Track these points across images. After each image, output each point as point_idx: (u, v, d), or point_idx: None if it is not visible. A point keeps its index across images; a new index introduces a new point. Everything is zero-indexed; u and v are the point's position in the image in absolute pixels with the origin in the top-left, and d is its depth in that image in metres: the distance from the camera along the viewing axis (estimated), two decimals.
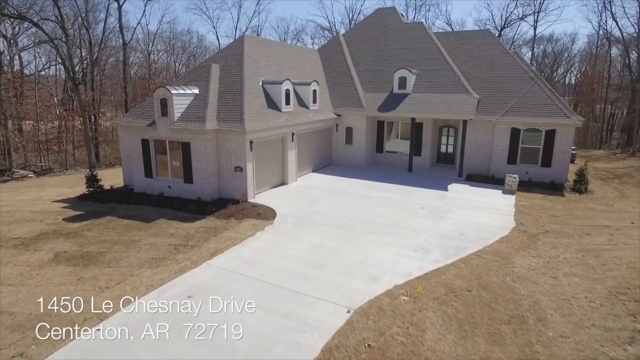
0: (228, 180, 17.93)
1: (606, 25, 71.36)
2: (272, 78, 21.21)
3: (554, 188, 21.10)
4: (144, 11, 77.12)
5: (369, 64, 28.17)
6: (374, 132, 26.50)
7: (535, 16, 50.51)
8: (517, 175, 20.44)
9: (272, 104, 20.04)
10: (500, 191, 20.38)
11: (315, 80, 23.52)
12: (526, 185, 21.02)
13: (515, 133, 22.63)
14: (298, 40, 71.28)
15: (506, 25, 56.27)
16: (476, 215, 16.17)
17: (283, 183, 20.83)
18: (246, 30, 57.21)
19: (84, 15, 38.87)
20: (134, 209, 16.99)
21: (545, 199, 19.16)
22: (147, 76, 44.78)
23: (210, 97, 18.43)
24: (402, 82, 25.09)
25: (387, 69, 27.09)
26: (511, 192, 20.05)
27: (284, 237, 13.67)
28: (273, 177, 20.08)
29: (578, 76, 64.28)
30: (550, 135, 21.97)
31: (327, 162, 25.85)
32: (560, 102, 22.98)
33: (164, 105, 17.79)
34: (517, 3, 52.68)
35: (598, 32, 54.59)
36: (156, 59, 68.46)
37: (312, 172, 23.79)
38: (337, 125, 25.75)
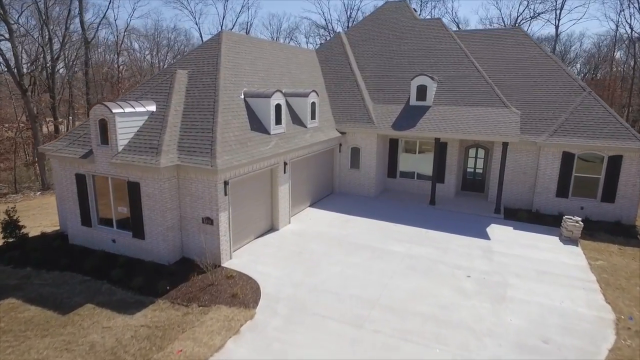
0: (194, 235, 12.82)
1: (632, 24, 66.39)
2: (257, 89, 16.12)
3: (624, 232, 16.29)
4: (110, 3, 69.75)
5: (378, 69, 23.18)
6: (385, 153, 21.49)
7: (558, 13, 45.71)
8: (579, 219, 15.56)
9: (257, 124, 14.94)
10: (557, 237, 15.54)
11: (314, 90, 18.43)
12: (585, 227, 16.17)
13: (567, 158, 17.80)
14: (291, 39, 66.14)
15: (517, 24, 51.71)
16: (549, 292, 11.26)
17: (272, 229, 15.74)
18: (233, 27, 51.81)
19: (43, 7, 33.31)
20: (55, 282, 11.77)
21: (624, 253, 14.32)
22: (116, 80, 39.16)
23: (170, 116, 13.30)
24: (422, 91, 20.14)
25: (400, 75, 22.14)
26: (573, 241, 15.21)
27: (270, 355, 8.61)
28: (258, 222, 14.99)
29: (590, 78, 59.67)
30: (615, 162, 17.17)
31: (327, 191, 20.80)
32: (622, 120, 18.20)
33: (104, 129, 12.64)
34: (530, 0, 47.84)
35: (616, 31, 50.25)
36: (142, 58, 62.89)
37: (309, 206, 18.74)
38: (340, 144, 20.71)
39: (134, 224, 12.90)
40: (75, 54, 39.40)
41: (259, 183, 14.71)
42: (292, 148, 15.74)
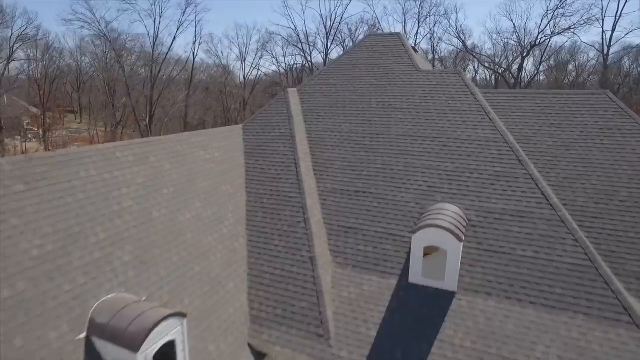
0: None
1: None
2: None
3: None
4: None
5: (348, 173, 12.29)
6: None
7: (616, 18, 34.43)
8: None
9: None
10: None
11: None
12: None
13: None
14: (264, 52, 54.43)
15: (539, 41, 41.06)
16: None
17: None
18: (170, 48, 39.60)
19: None
20: None
21: None
22: None
23: None
24: (434, 262, 9.34)
25: (388, 193, 11.30)
26: None
27: None
28: None
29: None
30: None
31: None
32: None
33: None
34: (558, 12, 37.22)
35: None
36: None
37: None
38: None
39: None
40: None
41: None
42: None
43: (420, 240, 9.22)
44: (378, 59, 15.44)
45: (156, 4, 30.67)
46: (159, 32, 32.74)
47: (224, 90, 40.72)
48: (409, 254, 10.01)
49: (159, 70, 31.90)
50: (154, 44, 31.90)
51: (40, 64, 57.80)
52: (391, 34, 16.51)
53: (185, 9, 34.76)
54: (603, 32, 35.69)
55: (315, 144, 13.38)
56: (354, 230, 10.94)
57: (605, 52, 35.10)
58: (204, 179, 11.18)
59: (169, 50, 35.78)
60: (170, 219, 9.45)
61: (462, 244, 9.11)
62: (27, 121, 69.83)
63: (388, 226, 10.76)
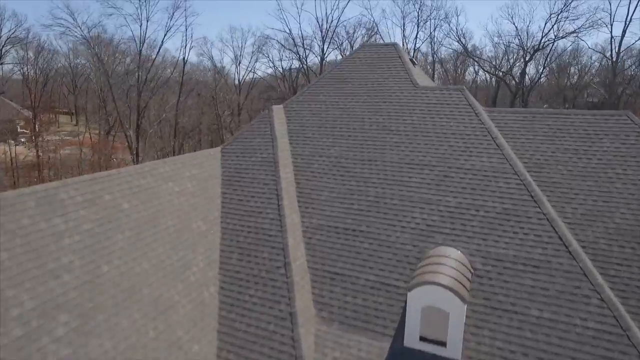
0: None
1: None
2: None
3: None
4: None
5: (337, 202, 10.85)
6: None
7: (626, 23, 32.79)
8: None
9: None
10: None
11: None
12: None
13: None
14: (259, 55, 53.03)
15: (542, 46, 39.63)
16: None
17: None
18: (158, 52, 37.81)
19: None
20: None
21: None
22: None
23: None
24: (434, 321, 7.93)
25: (380, 232, 9.87)
26: None
27: None
28: None
29: None
30: None
31: None
32: None
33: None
34: (562, 16, 35.62)
35: None
36: None
37: None
38: None
39: None
40: None
41: None
42: None
43: (417, 299, 7.80)
44: (372, 72, 14.03)
45: (142, 7, 29.20)
46: (146, 37, 31.25)
47: (216, 96, 39.25)
48: (404, 308, 8.60)
49: (146, 77, 30.48)
50: (141, 50, 30.36)
51: (31, 66, 56.41)
52: (387, 45, 15.13)
53: (173, 12, 33.12)
54: (612, 38, 33.94)
55: (300, 170, 11.96)
56: (341, 277, 9.52)
57: (614, 58, 33.60)
58: (171, 216, 9.76)
59: (156, 56, 34.29)
60: (123, 273, 8.02)
61: (466, 305, 7.69)
62: (20, 124, 68.42)
63: (381, 273, 9.34)
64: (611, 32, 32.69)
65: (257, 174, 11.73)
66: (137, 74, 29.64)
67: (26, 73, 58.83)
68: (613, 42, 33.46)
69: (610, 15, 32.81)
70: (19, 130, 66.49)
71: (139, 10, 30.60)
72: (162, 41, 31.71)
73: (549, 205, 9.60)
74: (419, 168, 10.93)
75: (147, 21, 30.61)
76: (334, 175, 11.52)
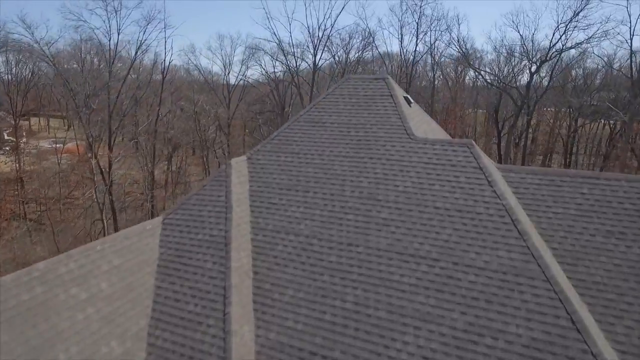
0: None
1: None
2: None
3: None
4: None
5: (303, 309, 8.04)
6: None
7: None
8: None
9: None
10: None
11: None
12: None
13: None
14: (250, 63, 50.01)
15: (550, 57, 36.87)
16: None
17: None
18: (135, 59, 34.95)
19: None
20: None
21: None
22: None
23: None
24: None
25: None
26: None
27: None
28: None
29: None
30: None
31: None
32: None
33: None
34: (570, 25, 32.70)
35: None
36: None
37: None
38: None
39: None
40: None
41: None
42: None
43: None
44: (357, 115, 11.29)
45: (110, 20, 26.11)
46: (117, 53, 28.29)
47: (198, 111, 36.52)
48: None
49: (117, 97, 27.66)
50: (111, 65, 27.38)
51: (9, 69, 53.55)
52: (376, 78, 12.35)
53: (146, 25, 30.10)
54: (632, 54, 31.04)
55: (260, 254, 9.18)
56: None
57: (635, 77, 30.73)
58: (67, 342, 6.98)
59: (127, 73, 31.12)
60: None
61: None
62: (7, 131, 65.57)
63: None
64: (631, 47, 29.66)
65: (202, 260, 8.96)
66: (107, 91, 26.83)
67: (5, 79, 56.01)
68: (634, 58, 30.66)
69: (630, 28, 29.98)
70: (5, 137, 63.72)
71: (106, 24, 27.66)
72: (134, 58, 28.74)
73: (601, 332, 6.82)
74: (413, 261, 8.15)
75: (119, 34, 27.78)
76: (303, 264, 8.74)
